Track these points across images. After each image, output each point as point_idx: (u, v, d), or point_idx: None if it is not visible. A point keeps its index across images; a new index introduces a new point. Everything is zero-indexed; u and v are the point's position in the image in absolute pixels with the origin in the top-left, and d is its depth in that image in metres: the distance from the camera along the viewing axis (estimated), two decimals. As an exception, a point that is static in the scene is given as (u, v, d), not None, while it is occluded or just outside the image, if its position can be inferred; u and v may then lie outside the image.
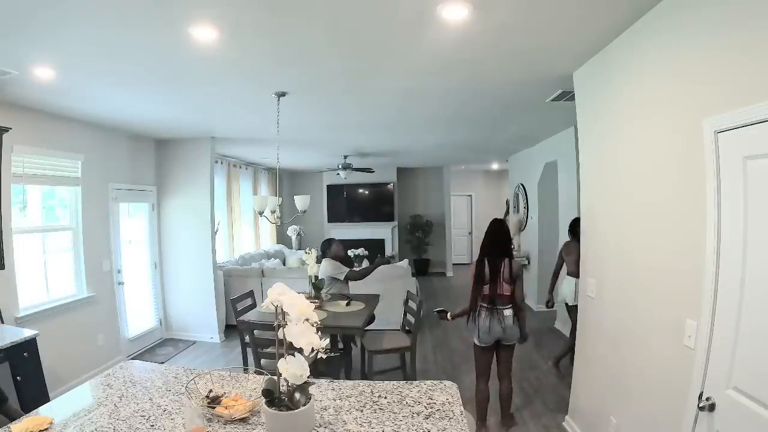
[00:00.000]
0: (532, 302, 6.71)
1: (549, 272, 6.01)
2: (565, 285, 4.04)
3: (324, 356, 1.31)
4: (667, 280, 1.96)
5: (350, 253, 7.40)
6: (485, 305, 2.94)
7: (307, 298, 2.21)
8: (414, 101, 3.74)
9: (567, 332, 5.13)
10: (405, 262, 6.15)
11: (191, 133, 4.98)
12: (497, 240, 2.98)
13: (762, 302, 1.41)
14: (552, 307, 4.41)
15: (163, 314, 5.50)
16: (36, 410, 1.56)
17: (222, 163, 6.65)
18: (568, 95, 3.39)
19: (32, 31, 2.12)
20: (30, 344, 2.75)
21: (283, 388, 1.38)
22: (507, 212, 9.00)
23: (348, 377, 3.89)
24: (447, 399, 1.63)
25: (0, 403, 1.83)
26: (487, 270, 2.92)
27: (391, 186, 9.49)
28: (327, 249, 4.41)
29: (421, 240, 9.95)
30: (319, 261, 4.23)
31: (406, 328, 3.93)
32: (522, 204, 7.23)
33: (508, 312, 2.90)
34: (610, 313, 2.52)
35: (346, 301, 3.92)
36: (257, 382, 1.73)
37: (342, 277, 4.19)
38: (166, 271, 5.48)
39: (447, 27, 2.17)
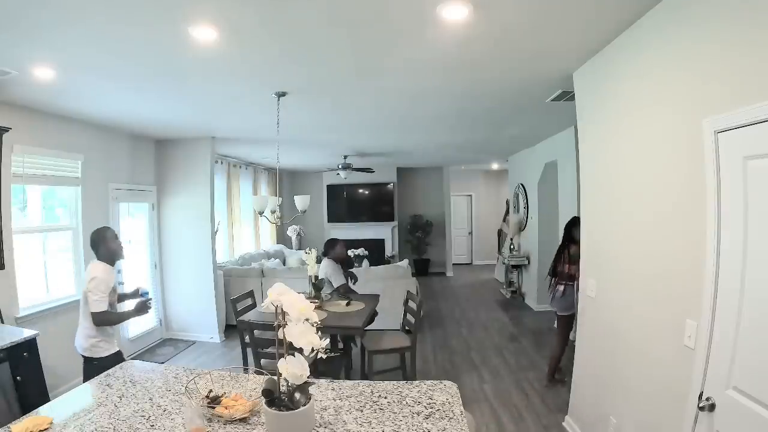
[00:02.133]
0: (532, 302, 6.71)
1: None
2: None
3: (324, 356, 1.32)
4: (667, 280, 1.96)
5: (350, 253, 7.40)
6: (558, 279, 3.78)
7: (307, 298, 2.21)
8: (414, 101, 3.73)
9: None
10: (405, 262, 6.15)
11: (191, 133, 4.98)
12: (567, 229, 3.81)
13: (762, 302, 1.41)
14: None
15: (163, 314, 5.49)
16: (36, 410, 1.56)
17: (222, 163, 6.65)
18: (568, 95, 3.39)
19: (32, 31, 2.12)
20: (30, 344, 2.74)
21: (283, 388, 1.38)
22: (507, 212, 9.00)
23: (348, 377, 3.89)
24: (447, 399, 1.63)
25: None
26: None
27: (391, 186, 9.49)
28: (330, 249, 4.40)
29: (421, 240, 9.95)
30: (318, 261, 4.23)
31: (406, 328, 3.93)
32: (522, 204, 7.23)
33: (560, 287, 3.70)
34: (610, 313, 2.52)
35: (346, 301, 3.92)
36: (257, 382, 1.73)
37: (335, 284, 4.22)
38: (166, 271, 5.48)
39: (447, 27, 2.17)
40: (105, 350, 2.72)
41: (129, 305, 2.96)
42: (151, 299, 2.94)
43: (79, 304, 2.77)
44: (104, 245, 2.80)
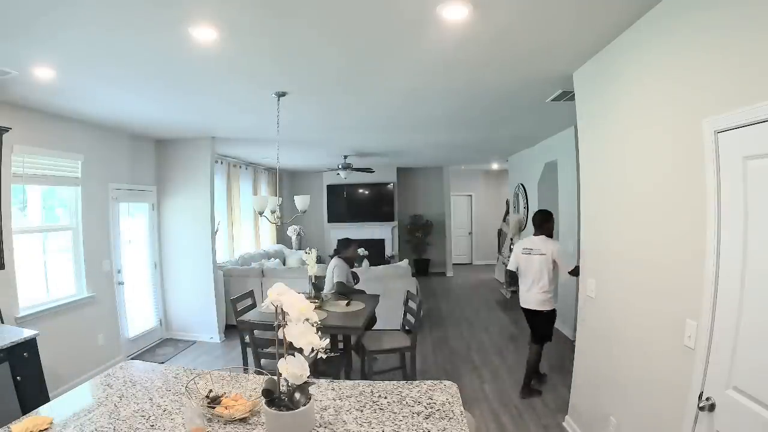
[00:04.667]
0: (532, 302, 6.70)
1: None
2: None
3: (324, 356, 1.32)
4: (667, 280, 1.96)
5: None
6: None
7: (307, 298, 2.21)
8: (414, 101, 3.73)
9: (567, 331, 5.14)
10: (405, 262, 6.15)
11: (191, 133, 4.98)
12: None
13: (762, 302, 1.41)
14: None
15: (163, 314, 5.50)
16: (36, 410, 1.56)
17: (222, 163, 6.65)
18: (568, 95, 3.39)
19: (33, 32, 2.12)
20: (30, 344, 2.74)
21: (283, 388, 1.38)
22: (507, 212, 9.00)
23: (348, 377, 3.89)
24: (447, 399, 1.63)
25: None
26: None
27: (391, 186, 9.48)
28: (343, 248, 4.45)
29: (421, 240, 9.95)
30: (320, 261, 4.25)
31: (406, 328, 3.93)
32: (522, 204, 7.23)
33: None
34: (610, 313, 2.52)
35: (346, 301, 3.92)
36: (257, 382, 1.73)
37: (334, 280, 4.24)
38: (166, 271, 5.48)
39: (447, 27, 2.17)
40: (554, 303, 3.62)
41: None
42: None
43: (535, 271, 3.59)
44: (550, 224, 3.61)
